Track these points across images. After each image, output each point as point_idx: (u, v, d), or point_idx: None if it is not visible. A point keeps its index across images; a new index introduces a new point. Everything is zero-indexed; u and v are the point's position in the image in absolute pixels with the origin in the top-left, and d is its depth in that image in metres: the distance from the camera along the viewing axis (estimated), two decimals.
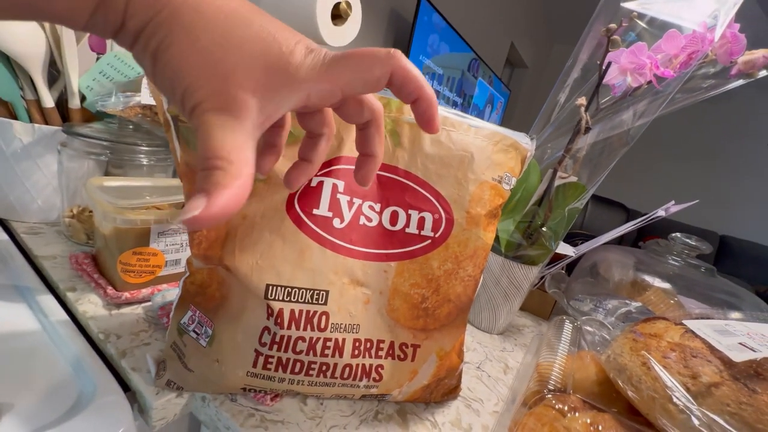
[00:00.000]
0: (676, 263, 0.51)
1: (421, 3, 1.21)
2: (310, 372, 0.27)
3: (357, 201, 0.28)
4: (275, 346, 0.26)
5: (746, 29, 0.38)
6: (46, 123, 0.49)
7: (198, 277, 0.28)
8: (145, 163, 0.51)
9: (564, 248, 0.64)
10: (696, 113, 3.06)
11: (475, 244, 0.30)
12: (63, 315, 0.36)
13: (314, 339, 0.27)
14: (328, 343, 0.27)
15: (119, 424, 0.27)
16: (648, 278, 0.52)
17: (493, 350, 0.49)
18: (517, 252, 0.49)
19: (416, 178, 0.28)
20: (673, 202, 0.52)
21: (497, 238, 0.50)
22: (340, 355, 0.28)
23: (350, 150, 0.27)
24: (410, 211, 0.28)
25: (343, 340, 0.28)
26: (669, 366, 0.27)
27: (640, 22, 0.42)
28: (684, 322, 0.31)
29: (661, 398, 0.26)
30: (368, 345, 0.28)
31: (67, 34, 0.46)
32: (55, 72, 0.50)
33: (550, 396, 0.29)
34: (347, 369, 0.28)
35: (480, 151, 0.29)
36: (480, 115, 1.98)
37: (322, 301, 0.27)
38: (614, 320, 0.47)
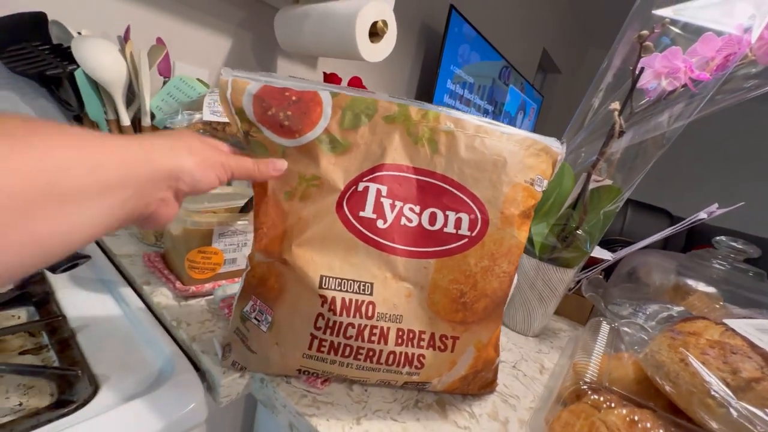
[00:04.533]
0: (722, 267, 0.50)
1: (451, 15, 1.24)
2: (358, 356, 0.30)
3: (398, 204, 0.30)
4: (329, 331, 0.29)
5: None
6: None
7: (258, 271, 0.32)
8: None
9: (600, 252, 0.63)
10: (748, 115, 2.85)
11: (510, 243, 0.31)
12: (141, 304, 0.41)
13: (362, 326, 0.30)
14: (375, 330, 0.30)
15: (192, 398, 0.32)
16: (691, 282, 0.50)
17: (528, 351, 0.49)
18: (552, 255, 0.50)
19: (453, 181, 0.30)
20: (716, 205, 0.51)
21: (531, 241, 0.51)
22: (385, 343, 0.30)
23: (392, 158, 0.30)
24: (448, 212, 0.30)
25: (388, 328, 0.30)
26: (708, 362, 0.27)
27: (673, 28, 0.42)
28: (725, 321, 0.31)
29: (699, 393, 0.27)
30: (411, 335, 0.31)
31: (144, 62, 0.53)
32: (130, 95, 0.57)
33: (586, 389, 0.30)
34: (391, 356, 0.31)
35: (512, 156, 0.31)
36: (512, 122, 1.97)
37: (368, 292, 0.30)
38: (655, 324, 0.47)
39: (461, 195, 0.30)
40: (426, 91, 1.41)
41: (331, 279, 0.29)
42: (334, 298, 0.29)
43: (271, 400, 0.33)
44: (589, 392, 0.30)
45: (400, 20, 1.25)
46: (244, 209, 0.46)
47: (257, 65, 0.88)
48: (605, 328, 0.42)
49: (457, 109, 0.31)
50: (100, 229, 0.20)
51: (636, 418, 0.27)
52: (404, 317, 0.31)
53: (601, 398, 0.29)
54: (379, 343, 0.30)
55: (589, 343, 0.39)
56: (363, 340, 0.30)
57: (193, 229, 0.42)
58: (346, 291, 0.30)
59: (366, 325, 0.30)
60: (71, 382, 0.29)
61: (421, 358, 0.32)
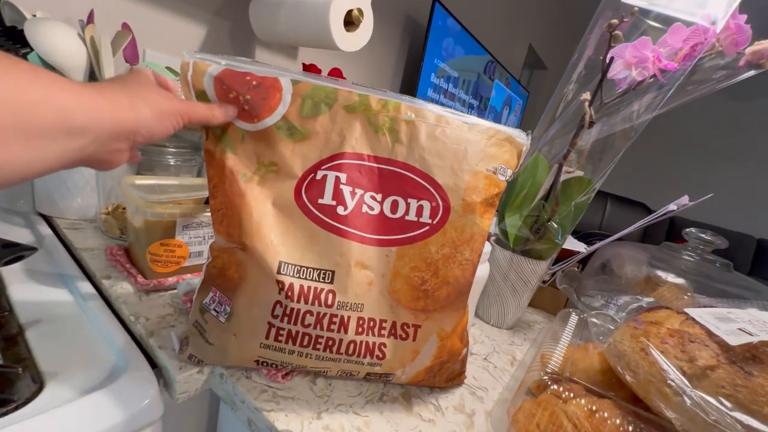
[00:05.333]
0: (691, 259, 0.51)
1: (435, 7, 1.22)
2: (317, 346, 0.30)
3: (359, 191, 0.30)
4: (286, 318, 0.29)
5: (753, 20, 0.38)
6: None
7: (219, 262, 0.31)
8: (172, 163, 0.55)
9: (574, 245, 0.64)
10: (729, 111, 2.92)
11: (472, 230, 0.31)
12: (99, 299, 0.39)
13: (321, 314, 0.29)
14: (334, 319, 0.29)
15: (146, 395, 0.30)
16: (661, 274, 0.51)
17: (501, 343, 0.49)
18: (525, 246, 0.50)
19: (414, 168, 0.30)
20: (686, 197, 0.52)
21: (506, 233, 0.51)
22: (345, 332, 0.30)
23: (351, 147, 0.30)
24: (409, 200, 0.30)
25: (348, 317, 0.30)
26: (666, 351, 0.27)
27: (646, 19, 0.42)
28: (686, 310, 0.31)
29: (657, 381, 0.27)
30: (371, 324, 0.31)
31: (106, 48, 0.50)
32: (93, 82, 0.55)
33: (548, 380, 0.30)
34: (351, 345, 0.30)
35: (474, 145, 0.31)
36: (497, 117, 1.97)
37: (329, 280, 0.29)
38: (624, 315, 0.47)
39: (423, 182, 0.30)
40: (410, 85, 1.40)
41: (290, 266, 0.29)
42: (291, 285, 0.29)
43: (231, 396, 0.32)
44: (550, 383, 0.29)
45: (383, 12, 1.23)
46: (209, 201, 0.44)
47: (234, 55, 0.85)
48: (574, 318, 0.42)
49: (442, 104, 0.31)
50: (56, 165, 0.22)
51: (595, 407, 0.27)
52: (365, 306, 0.30)
53: (562, 389, 0.29)
54: (339, 332, 0.30)
55: (557, 334, 0.39)
56: (322, 329, 0.29)
57: (154, 221, 0.41)
58: (305, 279, 0.29)
59: (325, 314, 0.29)
60: (11, 380, 0.28)
61: (382, 347, 0.31)
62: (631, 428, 0.26)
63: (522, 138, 0.33)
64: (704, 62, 0.41)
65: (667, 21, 0.42)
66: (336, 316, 0.29)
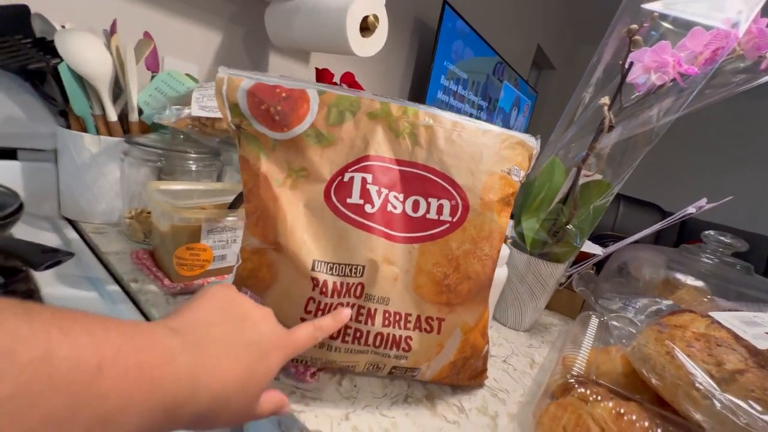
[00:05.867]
0: (710, 261, 0.50)
1: (445, 10, 1.23)
2: (346, 338, 0.31)
3: (384, 191, 0.32)
4: (319, 314, 0.31)
5: None
6: (111, 135, 0.55)
7: (249, 264, 0.32)
8: (193, 168, 0.56)
9: (591, 247, 0.64)
10: (744, 111, 2.88)
11: (490, 227, 0.33)
12: (128, 302, 0.40)
13: (350, 305, 0.31)
14: (362, 311, 0.31)
15: None
16: (680, 277, 0.51)
17: (519, 346, 0.50)
18: (543, 250, 0.50)
19: (434, 170, 0.32)
20: (705, 199, 0.52)
21: (522, 236, 0.51)
22: (372, 323, 0.31)
23: (375, 150, 0.32)
24: (430, 199, 0.32)
25: (375, 310, 0.31)
26: (693, 354, 0.28)
27: (663, 23, 0.42)
28: (710, 314, 0.31)
29: (684, 385, 0.27)
30: (397, 317, 0.32)
31: (130, 57, 0.52)
32: (117, 89, 0.56)
33: (573, 382, 0.31)
34: (379, 337, 0.32)
35: (488, 148, 0.33)
36: (506, 117, 1.97)
37: (359, 274, 0.31)
38: (644, 318, 0.47)
39: (442, 182, 0.32)
40: (419, 88, 1.41)
41: (323, 263, 0.30)
42: (326, 281, 0.30)
43: None
44: (576, 385, 0.30)
45: (393, 15, 1.24)
46: (233, 205, 0.45)
47: (249, 60, 0.87)
48: (594, 322, 0.42)
49: (451, 106, 0.33)
50: None
51: (622, 410, 0.27)
52: (391, 300, 0.32)
53: (588, 391, 0.29)
54: (366, 323, 0.31)
55: (578, 337, 0.39)
56: (351, 320, 0.31)
57: (181, 226, 0.42)
58: (338, 275, 0.31)
59: (354, 305, 0.31)
60: None
61: (408, 340, 0.33)
62: (659, 431, 0.26)
63: (532, 142, 0.35)
64: (724, 66, 0.41)
65: (684, 25, 0.42)
66: (363, 307, 0.31)
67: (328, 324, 0.29)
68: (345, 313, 0.30)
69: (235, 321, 0.24)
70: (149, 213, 0.54)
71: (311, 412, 0.31)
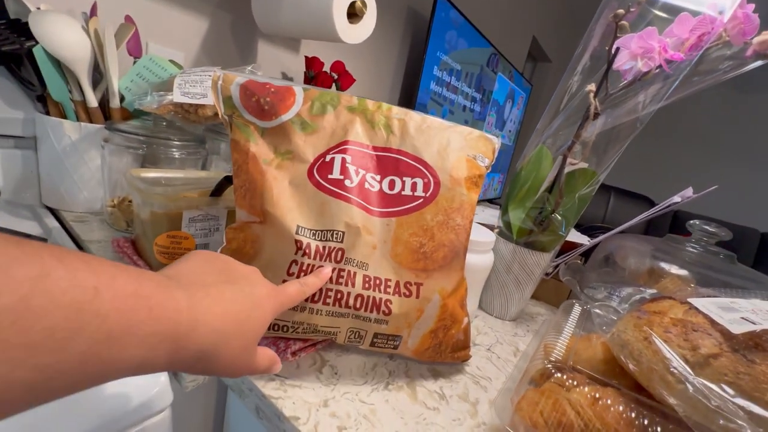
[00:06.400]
0: (695, 251, 0.51)
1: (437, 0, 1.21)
2: (327, 300, 0.32)
3: (361, 171, 0.34)
4: (302, 275, 0.32)
5: (761, 9, 0.37)
6: (91, 121, 0.54)
7: (234, 244, 0.33)
8: (177, 156, 0.55)
9: (578, 237, 0.64)
10: (734, 104, 2.89)
11: (461, 200, 0.36)
12: None
13: (331, 268, 0.32)
14: (342, 273, 0.33)
15: (156, 383, 0.31)
16: (665, 266, 0.51)
17: (504, 335, 0.50)
18: (529, 238, 0.50)
19: (407, 153, 0.35)
20: (691, 189, 0.52)
21: (509, 225, 0.51)
22: (353, 285, 0.33)
23: (354, 135, 0.34)
24: (404, 178, 0.35)
25: (355, 273, 0.33)
26: (669, 339, 0.28)
27: (652, 9, 0.42)
28: (689, 300, 0.31)
29: (660, 370, 0.27)
30: (377, 282, 0.34)
31: (109, 40, 0.51)
32: (98, 75, 0.55)
33: (551, 368, 0.31)
34: (359, 299, 0.33)
35: (454, 138, 0.37)
36: (500, 110, 1.96)
37: (339, 239, 0.32)
38: (627, 306, 0.47)
39: (415, 164, 0.35)
40: (412, 78, 1.39)
41: (306, 230, 0.32)
42: (309, 244, 0.32)
43: (238, 384, 0.33)
44: (554, 371, 0.30)
45: (385, 4, 1.22)
46: (214, 193, 0.45)
47: (236, 48, 0.85)
48: (577, 309, 0.42)
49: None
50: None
51: (598, 395, 0.27)
52: (370, 265, 0.33)
53: (566, 377, 0.29)
54: (347, 285, 0.33)
55: (560, 324, 0.39)
56: (331, 282, 0.32)
57: (160, 213, 0.41)
58: (320, 240, 0.32)
59: (334, 268, 0.32)
60: None
61: (388, 303, 0.34)
62: (633, 415, 0.26)
63: (493, 138, 0.39)
64: (711, 52, 0.40)
65: (673, 11, 0.41)
66: (344, 270, 0.33)
67: (312, 281, 0.31)
68: (326, 271, 0.32)
69: (225, 272, 0.24)
70: (131, 201, 0.53)
71: (289, 399, 0.30)
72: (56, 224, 0.52)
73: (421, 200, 0.35)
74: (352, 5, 0.62)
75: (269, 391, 0.31)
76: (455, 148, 0.36)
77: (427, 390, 0.35)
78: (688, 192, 0.52)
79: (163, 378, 0.31)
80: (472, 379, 0.39)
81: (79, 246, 0.48)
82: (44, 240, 0.38)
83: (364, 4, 0.63)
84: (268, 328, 0.33)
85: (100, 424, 0.27)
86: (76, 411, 0.27)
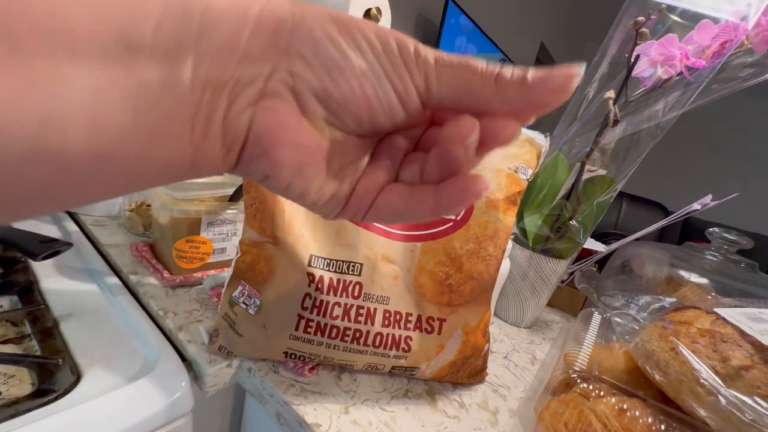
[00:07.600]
0: (714, 259, 0.50)
1: (448, 5, 1.22)
2: (345, 338, 0.31)
3: None
4: (315, 311, 0.30)
5: None
6: None
7: (248, 257, 0.32)
8: None
9: (593, 244, 0.63)
10: (749, 109, 2.86)
11: (495, 226, 0.32)
12: (127, 294, 0.40)
13: (349, 305, 0.30)
14: (361, 311, 0.30)
15: (178, 388, 0.31)
16: (684, 274, 0.50)
17: (520, 342, 0.49)
18: (545, 245, 0.50)
19: None
20: (710, 196, 0.51)
21: (525, 232, 0.51)
22: (372, 324, 0.31)
23: None
24: None
25: (375, 309, 0.31)
26: (698, 350, 0.27)
27: (671, 15, 0.42)
28: (716, 310, 0.31)
29: (689, 381, 0.26)
30: (398, 317, 0.31)
31: None
32: None
33: (576, 378, 0.30)
34: (378, 337, 0.31)
35: None
36: None
37: (357, 273, 0.30)
38: (646, 315, 0.47)
39: None
40: None
41: (320, 259, 0.30)
42: (321, 277, 0.30)
43: (259, 390, 0.33)
44: (579, 381, 0.29)
45: (396, 10, 1.23)
46: (233, 198, 0.45)
47: None
48: (597, 318, 0.42)
49: None
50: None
51: (625, 406, 0.27)
52: (391, 299, 0.31)
53: (591, 387, 0.29)
54: (365, 323, 0.31)
55: (580, 333, 0.39)
56: (350, 320, 0.30)
57: (180, 218, 0.42)
58: (334, 272, 0.30)
59: (352, 305, 0.30)
60: (52, 371, 0.29)
61: (408, 340, 0.32)
62: (663, 427, 0.25)
63: (541, 139, 0.35)
64: (732, 60, 0.40)
65: (693, 18, 0.41)
66: (363, 307, 0.30)
67: None
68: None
69: None
70: (149, 205, 0.53)
71: (310, 406, 0.30)
72: (75, 228, 0.53)
73: (451, 224, 0.32)
74: (367, 12, 0.62)
75: (290, 397, 0.31)
76: (495, 158, 0.32)
77: (446, 398, 0.35)
78: (707, 199, 0.51)
79: (184, 383, 0.31)
80: (490, 387, 0.38)
81: (98, 249, 0.49)
82: (70, 245, 0.38)
83: (379, 12, 0.63)
84: (284, 355, 0.32)
85: (122, 429, 0.28)
86: (103, 413, 0.27)
